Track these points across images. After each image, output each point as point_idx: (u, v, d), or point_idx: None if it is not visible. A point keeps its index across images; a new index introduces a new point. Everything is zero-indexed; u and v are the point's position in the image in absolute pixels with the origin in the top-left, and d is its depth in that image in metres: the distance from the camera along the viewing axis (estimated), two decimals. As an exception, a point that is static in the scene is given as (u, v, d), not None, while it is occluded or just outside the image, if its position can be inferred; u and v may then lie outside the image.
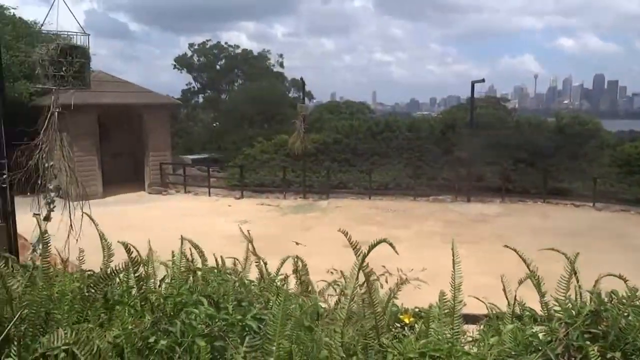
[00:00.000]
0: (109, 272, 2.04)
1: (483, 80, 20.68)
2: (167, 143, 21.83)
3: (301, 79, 21.95)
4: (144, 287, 2.10)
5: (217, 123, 32.89)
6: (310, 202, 19.26)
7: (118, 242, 2.27)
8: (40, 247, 6.10)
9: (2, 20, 20.66)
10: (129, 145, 21.63)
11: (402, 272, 2.92)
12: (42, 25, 6.43)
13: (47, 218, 6.34)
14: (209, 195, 20.19)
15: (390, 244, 1.80)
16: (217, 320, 1.83)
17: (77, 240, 5.73)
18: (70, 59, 6.48)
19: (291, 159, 20.95)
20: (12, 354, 1.59)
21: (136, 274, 2.09)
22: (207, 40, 39.30)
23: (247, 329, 1.84)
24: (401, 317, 2.17)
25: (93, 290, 2.00)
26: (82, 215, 6.44)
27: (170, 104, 23.63)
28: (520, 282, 2.07)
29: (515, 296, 2.13)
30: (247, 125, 27.11)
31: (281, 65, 39.16)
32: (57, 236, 4.71)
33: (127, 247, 2.21)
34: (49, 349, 1.55)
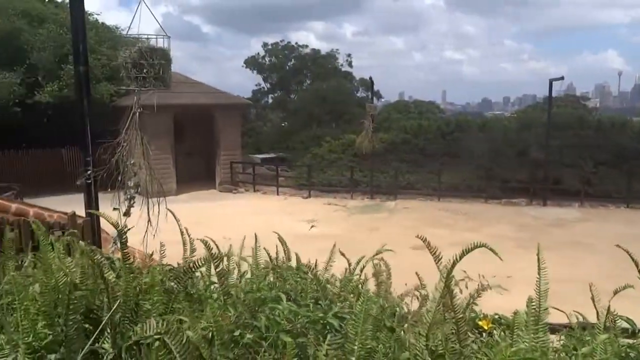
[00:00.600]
0: (191, 266, 2.09)
1: (562, 78, 19.63)
2: (237, 142, 22.43)
3: (370, 78, 21.90)
4: (226, 281, 2.13)
5: (286, 123, 33.40)
6: (378, 203, 19.11)
7: (198, 239, 2.32)
8: (119, 240, 6.32)
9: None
10: (201, 144, 22.40)
11: (484, 277, 2.80)
12: (128, 29, 6.74)
13: (127, 213, 6.65)
14: (277, 194, 20.53)
15: (491, 249, 1.73)
16: (299, 317, 1.85)
17: (154, 235, 6.00)
18: (151, 61, 6.73)
19: (359, 159, 20.91)
20: (106, 341, 1.67)
21: (218, 269, 2.11)
22: (281, 41, 40.03)
23: (328, 327, 1.84)
24: (479, 322, 2.09)
25: (176, 284, 2.07)
26: (159, 211, 6.79)
27: (241, 104, 24.26)
28: (616, 292, 1.92)
29: (609, 307, 1.97)
30: (315, 125, 27.32)
31: (349, 64, 39.25)
32: (135, 230, 4.94)
33: (207, 244, 2.25)
34: (142, 338, 1.58)
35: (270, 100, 39.99)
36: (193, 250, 2.57)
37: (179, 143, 20.90)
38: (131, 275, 1.97)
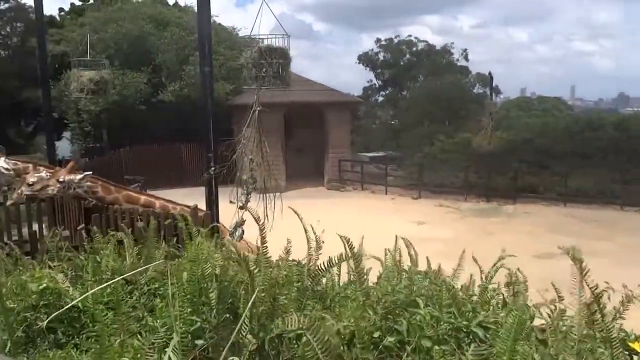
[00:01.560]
0: (326, 263, 2.14)
1: None
2: (346, 140, 22.35)
3: (489, 73, 20.62)
4: (365, 282, 2.10)
5: (396, 120, 32.78)
6: (494, 206, 17.99)
7: (337, 234, 2.23)
8: (237, 233, 6.24)
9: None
10: (310, 141, 22.62)
11: (628, 288, 2.33)
12: (251, 29, 6.79)
13: (243, 207, 6.78)
14: (386, 193, 20.11)
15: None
16: (441, 323, 1.82)
17: (269, 229, 6.00)
18: (270, 60, 6.77)
19: (474, 159, 19.77)
20: (243, 331, 1.70)
21: (357, 269, 2.07)
22: (396, 37, 39.19)
23: (471, 335, 1.78)
24: (631, 344, 1.82)
25: (310, 281, 2.13)
26: (274, 206, 6.88)
27: (352, 102, 24.15)
28: None
29: None
30: (427, 123, 26.43)
31: (466, 58, 37.43)
32: (249, 225, 4.95)
33: (348, 242, 2.17)
34: (284, 331, 1.66)
35: (381, 98, 39.47)
36: (319, 248, 2.53)
37: (289, 140, 21.26)
38: (270, 269, 1.97)
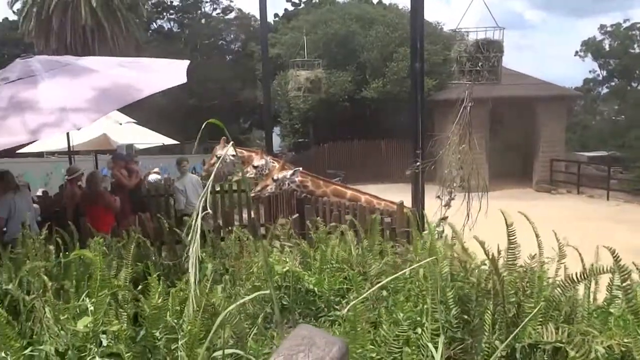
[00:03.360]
0: (579, 275, 1.89)
1: None
2: (560, 138, 20.32)
3: None
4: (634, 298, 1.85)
5: (622, 116, 28.74)
6: None
7: (604, 246, 1.94)
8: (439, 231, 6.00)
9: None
10: (516, 139, 21.12)
11: None
12: (460, 22, 6.61)
13: (447, 204, 6.61)
14: (607, 199, 17.70)
15: None
16: None
17: (470, 229, 5.74)
18: (487, 54, 6.51)
19: None
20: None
21: (625, 283, 1.84)
22: (625, 21, 34.34)
23: None
24: None
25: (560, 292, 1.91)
26: (480, 206, 6.59)
27: (568, 96, 21.89)
28: None
29: None
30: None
31: None
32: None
33: (614, 253, 1.92)
34: (540, 342, 1.57)
35: (605, 90, 34.89)
36: (562, 257, 2.30)
37: (493, 137, 20.14)
38: (515, 275, 1.88)
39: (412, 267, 1.97)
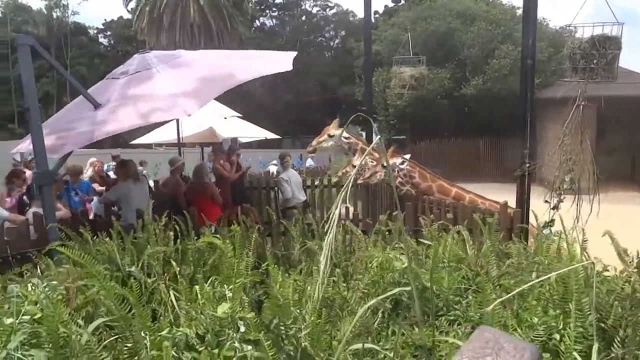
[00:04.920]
0: None
1: None
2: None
3: None
4: None
5: None
6: None
7: None
8: (545, 233, 5.76)
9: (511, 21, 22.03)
10: (625, 140, 19.57)
11: None
12: (574, 18, 6.26)
13: (556, 207, 6.32)
14: None
15: None
16: None
17: (577, 232, 5.43)
18: (603, 51, 6.14)
19: None
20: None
21: None
22: None
23: None
24: None
25: None
26: (591, 209, 6.23)
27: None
28: None
29: None
30: None
31: None
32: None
33: None
34: None
35: None
36: None
37: (600, 138, 18.72)
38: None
39: (559, 272, 1.89)
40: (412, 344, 1.95)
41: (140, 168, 9.74)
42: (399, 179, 6.90)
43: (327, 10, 43.17)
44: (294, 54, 5.18)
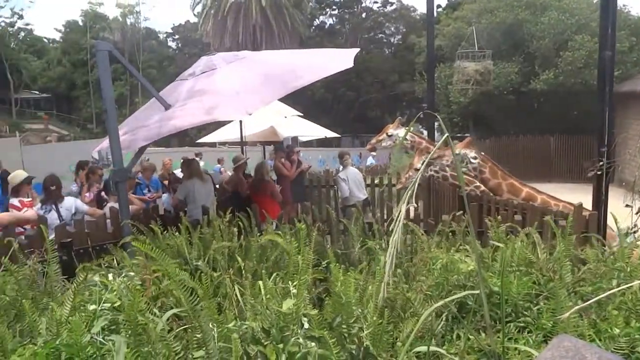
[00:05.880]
0: None
1: None
2: None
3: None
4: None
5: None
6: None
7: None
8: (628, 240, 5.44)
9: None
10: None
11: None
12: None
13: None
14: None
15: None
16: None
17: None
18: None
19: None
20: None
21: None
22: None
23: None
24: None
25: None
26: None
27: None
28: None
29: None
30: None
31: None
32: None
33: None
34: None
35: None
36: None
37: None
38: None
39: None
40: (478, 350, 1.90)
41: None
42: (466, 176, 6.69)
43: (388, 6, 42.76)
44: (356, 50, 5.16)
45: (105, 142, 5.03)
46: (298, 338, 1.71)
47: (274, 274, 2.79)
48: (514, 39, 21.22)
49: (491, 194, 6.92)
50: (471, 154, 6.71)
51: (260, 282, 2.21)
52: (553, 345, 0.94)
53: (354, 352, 1.81)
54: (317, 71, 4.79)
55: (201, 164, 9.80)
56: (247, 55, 5.16)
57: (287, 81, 4.51)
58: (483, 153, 6.82)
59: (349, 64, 4.74)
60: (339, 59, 5.01)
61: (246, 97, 4.25)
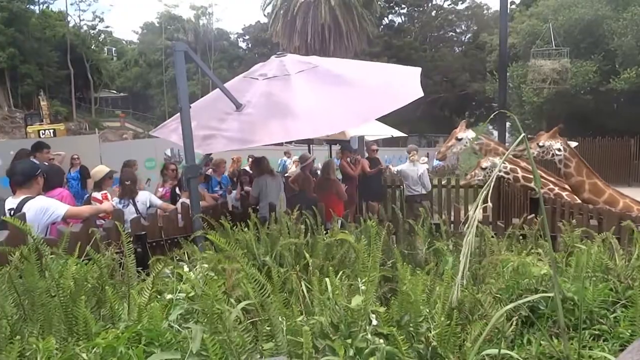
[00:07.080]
0: None
1: None
2: None
3: None
4: None
5: None
6: None
7: None
8: None
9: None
10: None
11: None
12: None
13: None
14: None
15: None
16: None
17: None
18: None
19: None
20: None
21: None
22: None
23: None
24: None
25: None
26: None
27: None
28: None
29: None
30: None
31: None
32: None
33: None
34: None
35: None
36: None
37: None
38: None
39: None
40: (549, 356, 1.84)
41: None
42: (556, 161, 6.38)
43: (459, 4, 41.75)
44: (418, 70, 5.07)
45: (164, 130, 5.22)
46: (366, 334, 1.73)
47: (340, 272, 2.81)
48: (594, 36, 20.13)
49: (565, 196, 6.61)
50: (556, 145, 6.37)
51: (327, 279, 2.25)
52: (633, 347, 0.91)
53: (421, 351, 1.81)
54: (388, 104, 4.68)
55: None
56: (319, 64, 5.12)
57: (360, 112, 4.54)
58: (573, 146, 6.44)
59: (419, 93, 4.71)
60: (409, 86, 4.93)
61: (320, 120, 4.32)
